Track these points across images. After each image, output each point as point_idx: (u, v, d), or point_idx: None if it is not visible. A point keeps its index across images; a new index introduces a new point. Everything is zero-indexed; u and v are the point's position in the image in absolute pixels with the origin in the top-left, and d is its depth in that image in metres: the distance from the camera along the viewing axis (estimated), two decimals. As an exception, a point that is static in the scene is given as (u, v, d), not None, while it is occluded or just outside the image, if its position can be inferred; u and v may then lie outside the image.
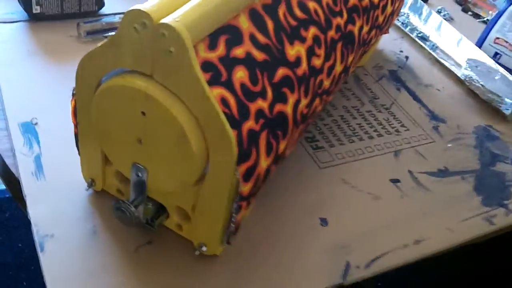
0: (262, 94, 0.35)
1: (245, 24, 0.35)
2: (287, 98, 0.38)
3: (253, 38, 0.35)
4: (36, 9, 0.52)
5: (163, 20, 0.29)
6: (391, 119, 0.56)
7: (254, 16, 0.36)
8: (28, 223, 0.37)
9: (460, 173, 0.52)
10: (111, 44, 0.31)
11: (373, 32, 0.54)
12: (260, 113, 0.34)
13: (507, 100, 0.60)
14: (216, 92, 0.31)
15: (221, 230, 0.36)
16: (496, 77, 0.62)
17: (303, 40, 0.40)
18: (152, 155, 0.34)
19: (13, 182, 0.41)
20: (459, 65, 0.66)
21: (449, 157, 0.53)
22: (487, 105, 0.61)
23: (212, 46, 0.32)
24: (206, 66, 0.31)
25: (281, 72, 0.37)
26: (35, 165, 0.42)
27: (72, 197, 0.40)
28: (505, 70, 0.63)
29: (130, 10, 0.29)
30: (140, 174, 0.35)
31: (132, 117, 0.33)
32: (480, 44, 0.69)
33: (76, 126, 0.38)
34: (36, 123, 0.45)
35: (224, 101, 0.32)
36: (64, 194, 0.40)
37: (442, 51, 0.68)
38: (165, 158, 0.33)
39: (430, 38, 0.70)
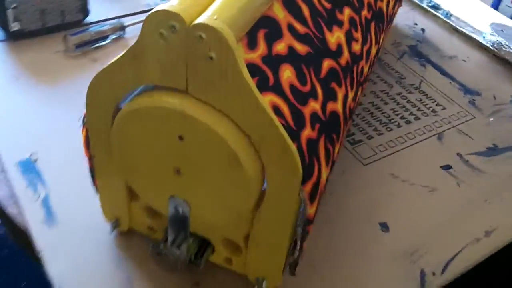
0: (313, 94, 0.29)
1: (281, 13, 0.29)
2: (336, 94, 0.32)
3: (292, 29, 0.30)
4: (14, 26, 0.44)
5: (198, 20, 0.23)
6: (424, 99, 0.51)
7: (288, 3, 0.30)
8: (29, 260, 0.31)
9: (510, 149, 0.47)
10: (130, 57, 0.25)
11: (396, 6, 0.49)
12: (314, 116, 0.29)
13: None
14: (266, 100, 0.26)
15: (283, 260, 0.30)
16: (523, 39, 0.58)
17: (340, 24, 0.34)
18: (194, 186, 0.28)
19: (21, 235, 0.34)
20: (478, 31, 0.61)
21: (494, 132, 0.49)
22: (517, 70, 0.57)
23: (252, 45, 0.27)
24: (251, 69, 0.25)
25: (326, 64, 0.31)
26: (44, 210, 0.35)
27: (95, 244, 0.33)
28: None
29: (153, 12, 0.23)
30: (180, 209, 0.29)
31: (166, 144, 0.27)
32: (495, 6, 0.64)
33: (90, 159, 0.32)
34: (36, 159, 0.38)
35: (277, 110, 0.26)
36: (86, 241, 0.33)
37: (457, 18, 0.63)
38: (213, 188, 0.27)
39: (442, 6, 0.65)
